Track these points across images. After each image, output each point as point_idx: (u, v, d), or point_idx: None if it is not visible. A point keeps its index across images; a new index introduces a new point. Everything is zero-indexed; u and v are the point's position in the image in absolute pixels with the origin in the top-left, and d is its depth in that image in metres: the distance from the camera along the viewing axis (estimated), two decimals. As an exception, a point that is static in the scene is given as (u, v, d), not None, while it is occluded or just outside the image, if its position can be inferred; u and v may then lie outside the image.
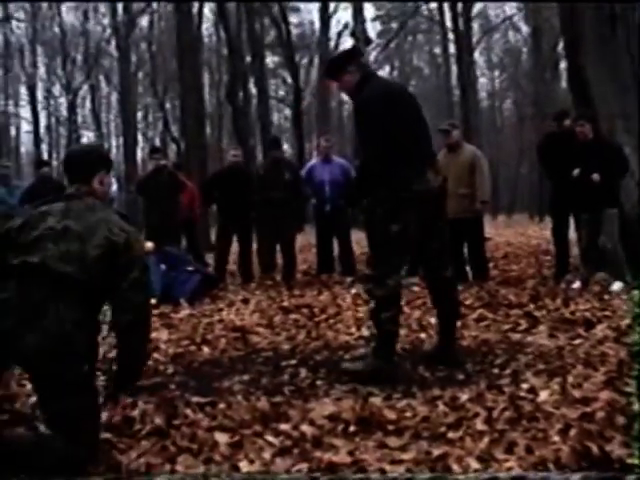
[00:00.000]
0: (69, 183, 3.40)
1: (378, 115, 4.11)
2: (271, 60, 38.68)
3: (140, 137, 39.68)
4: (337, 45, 34.48)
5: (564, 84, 30.39)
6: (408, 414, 3.29)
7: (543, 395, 3.39)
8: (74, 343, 2.93)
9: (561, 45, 22.17)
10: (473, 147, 8.53)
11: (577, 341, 4.67)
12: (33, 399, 3.83)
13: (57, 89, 37.85)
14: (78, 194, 3.29)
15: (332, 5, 31.33)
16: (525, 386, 3.60)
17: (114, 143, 44.13)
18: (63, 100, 37.47)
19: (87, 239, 3.10)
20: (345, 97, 38.36)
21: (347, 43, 33.92)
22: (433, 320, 5.65)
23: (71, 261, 3.03)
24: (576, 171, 7.05)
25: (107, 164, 3.49)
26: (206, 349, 5.14)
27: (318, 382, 4.14)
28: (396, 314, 4.16)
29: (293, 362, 4.63)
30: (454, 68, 33.96)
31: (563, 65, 28.36)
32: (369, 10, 36.85)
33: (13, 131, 41.54)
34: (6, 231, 3.18)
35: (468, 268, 7.98)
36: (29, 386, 4.19)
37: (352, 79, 4.35)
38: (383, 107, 4.12)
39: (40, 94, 37.71)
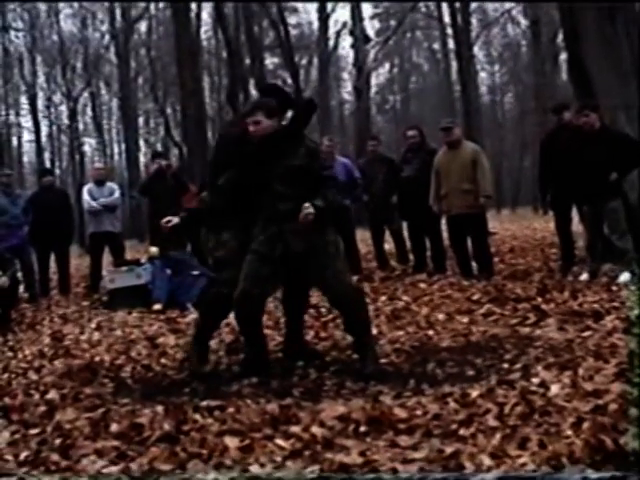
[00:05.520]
0: None
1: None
2: (270, 61, 38.62)
3: (142, 143, 39.70)
4: (336, 45, 34.51)
5: (564, 76, 30.35)
6: (419, 412, 3.26)
7: (554, 389, 3.35)
8: None
9: (560, 37, 22.11)
10: (473, 144, 8.52)
11: (586, 333, 4.64)
12: (42, 409, 3.82)
13: (57, 97, 37.81)
14: None
15: (330, 4, 31.29)
16: (536, 380, 3.57)
17: (116, 149, 44.15)
18: (64, 108, 37.44)
19: None
20: (346, 96, 38.06)
21: (346, 42, 33.96)
22: (441, 317, 5.65)
23: None
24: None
25: None
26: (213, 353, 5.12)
27: (327, 383, 4.12)
28: None
29: (301, 363, 4.61)
30: (454, 64, 33.89)
31: (563, 57, 28.26)
32: (367, 8, 36.81)
33: (15, 141, 41.56)
34: None
35: (473, 263, 7.95)
36: (37, 395, 4.20)
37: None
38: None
39: (41, 103, 37.71)
